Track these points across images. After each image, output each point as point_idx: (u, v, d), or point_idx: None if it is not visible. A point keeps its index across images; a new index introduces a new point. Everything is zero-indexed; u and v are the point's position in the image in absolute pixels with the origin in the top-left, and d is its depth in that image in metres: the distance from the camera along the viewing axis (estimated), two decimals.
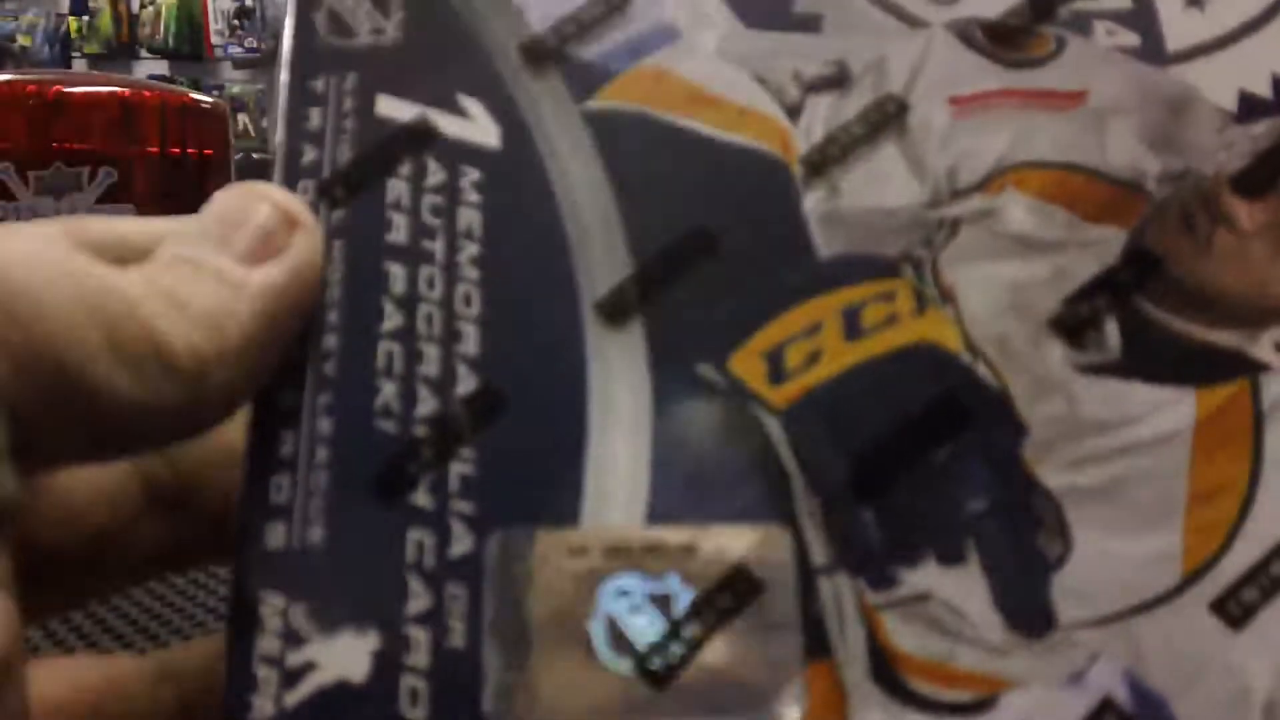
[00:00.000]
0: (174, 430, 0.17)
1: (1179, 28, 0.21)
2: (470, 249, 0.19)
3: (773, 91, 0.21)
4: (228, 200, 0.18)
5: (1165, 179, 0.20)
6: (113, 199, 0.57)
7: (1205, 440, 0.18)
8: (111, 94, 0.59)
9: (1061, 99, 0.20)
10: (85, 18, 3.04)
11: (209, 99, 0.66)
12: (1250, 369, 0.18)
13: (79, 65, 3.01)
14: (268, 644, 0.16)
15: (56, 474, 0.19)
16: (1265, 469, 0.18)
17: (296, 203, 0.18)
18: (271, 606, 0.17)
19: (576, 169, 0.20)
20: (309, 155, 0.20)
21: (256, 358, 0.17)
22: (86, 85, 0.59)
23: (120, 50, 3.02)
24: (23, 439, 0.15)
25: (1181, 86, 0.21)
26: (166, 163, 0.59)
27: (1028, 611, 0.17)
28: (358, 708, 0.16)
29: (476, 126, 0.20)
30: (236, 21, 2.88)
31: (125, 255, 0.17)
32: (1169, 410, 0.18)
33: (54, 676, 0.19)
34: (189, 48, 2.95)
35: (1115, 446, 0.18)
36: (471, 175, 0.20)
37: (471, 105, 0.20)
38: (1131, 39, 0.21)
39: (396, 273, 0.19)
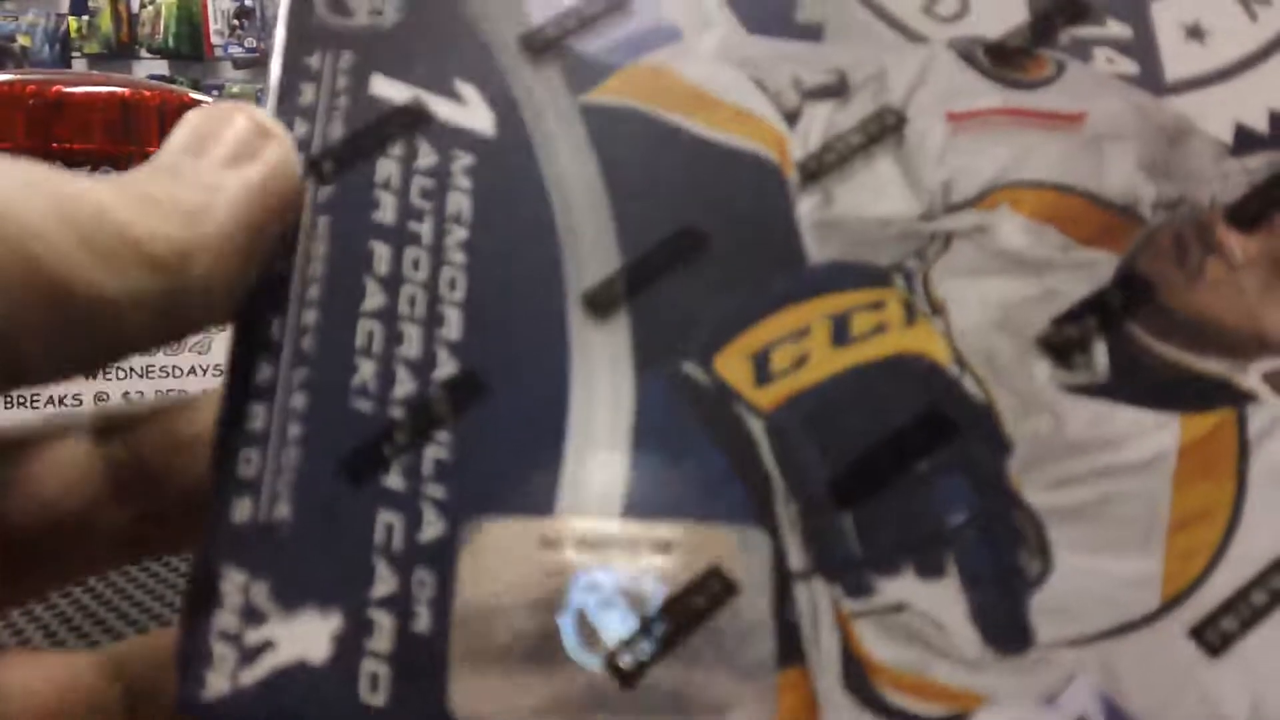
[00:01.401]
0: (158, 328, 0.17)
1: (1178, 58, 0.21)
2: (458, 233, 0.19)
3: (771, 96, 0.20)
4: (199, 117, 0.19)
5: (1160, 206, 0.20)
6: None
7: (1188, 466, 0.18)
8: (111, 94, 0.58)
9: (1060, 120, 0.20)
10: (85, 18, 3.05)
11: (209, 99, 0.66)
12: (1237, 399, 0.18)
13: (79, 65, 3.01)
14: (226, 620, 0.16)
15: (21, 459, 0.19)
16: (1248, 498, 0.18)
17: (268, 116, 0.19)
18: (233, 582, 0.16)
19: (569, 161, 0.20)
20: (299, 129, 0.19)
21: (236, 254, 0.17)
22: (86, 85, 0.59)
23: (120, 50, 3.02)
24: (7, 350, 0.15)
25: (1178, 116, 0.21)
26: None
27: (1005, 627, 0.17)
28: (315, 689, 0.16)
29: (471, 112, 0.20)
30: (236, 21, 2.89)
31: None
32: (1153, 434, 0.18)
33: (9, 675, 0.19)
34: (189, 48, 2.95)
35: (1099, 467, 0.18)
36: (463, 160, 0.19)
37: (467, 91, 0.20)
38: (1131, 67, 0.21)
39: (381, 252, 0.18)
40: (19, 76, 0.61)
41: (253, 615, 0.16)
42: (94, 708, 0.19)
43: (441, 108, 0.20)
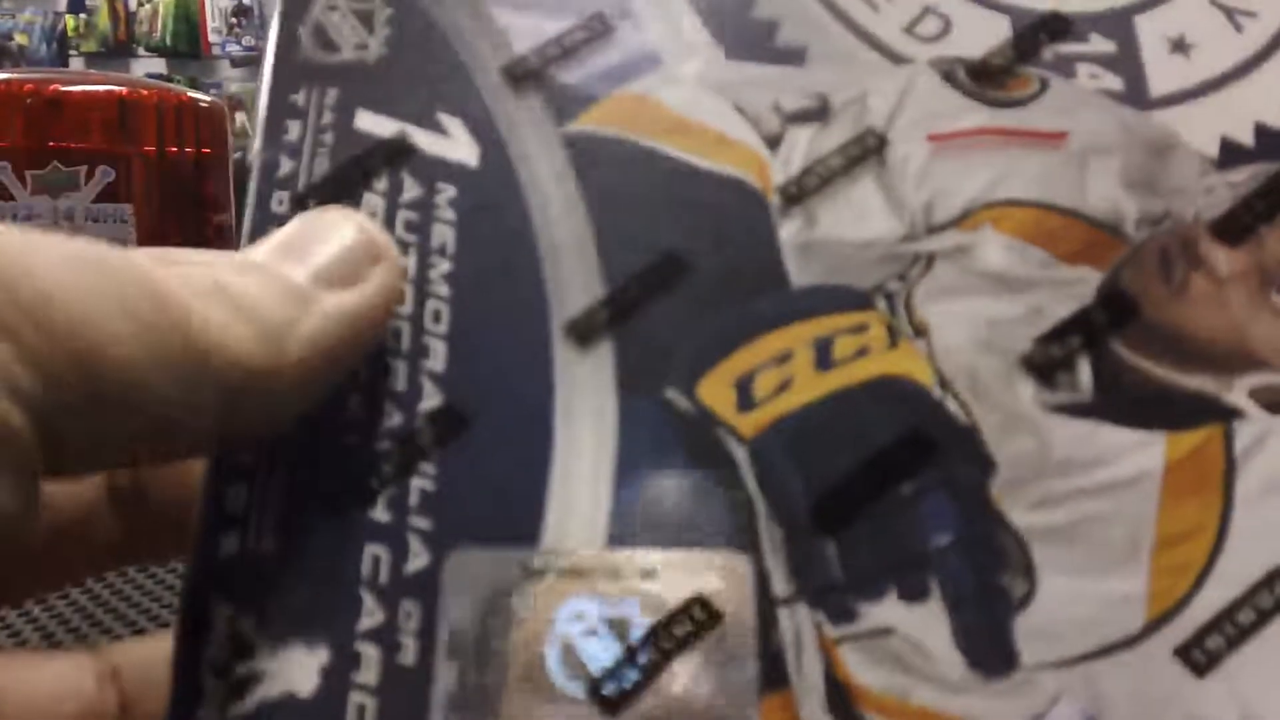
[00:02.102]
0: (212, 438, 0.16)
1: (1163, 73, 0.21)
2: (442, 265, 0.19)
3: (752, 121, 0.21)
4: (310, 218, 0.18)
5: (1144, 222, 0.20)
6: (110, 198, 0.57)
7: (1175, 484, 0.18)
8: (109, 93, 0.58)
9: (1043, 138, 0.20)
10: (83, 16, 3.05)
11: (207, 97, 0.65)
12: (1223, 415, 0.18)
13: (76, 64, 3.01)
14: (215, 653, 0.16)
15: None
16: (1235, 516, 0.18)
17: (382, 234, 0.18)
18: (221, 615, 0.16)
19: (553, 190, 0.20)
20: (285, 167, 0.20)
21: (310, 381, 0.16)
22: (84, 84, 0.59)
23: (118, 49, 3.02)
24: (50, 441, 0.14)
25: (1163, 131, 0.21)
26: (164, 162, 0.59)
27: (989, 650, 0.17)
28: None
29: (455, 144, 0.20)
30: (234, 20, 2.89)
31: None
32: (1139, 453, 0.18)
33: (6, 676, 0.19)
34: (187, 46, 2.96)
35: (1083, 487, 0.18)
36: (448, 192, 0.20)
37: (451, 123, 0.20)
38: (1115, 83, 0.21)
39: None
40: (16, 75, 0.61)
41: (241, 648, 0.16)
42: (87, 712, 0.19)
43: (425, 141, 0.20)
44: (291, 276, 0.16)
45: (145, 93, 0.60)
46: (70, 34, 3.03)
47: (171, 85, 0.69)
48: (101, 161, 0.57)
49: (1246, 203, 0.20)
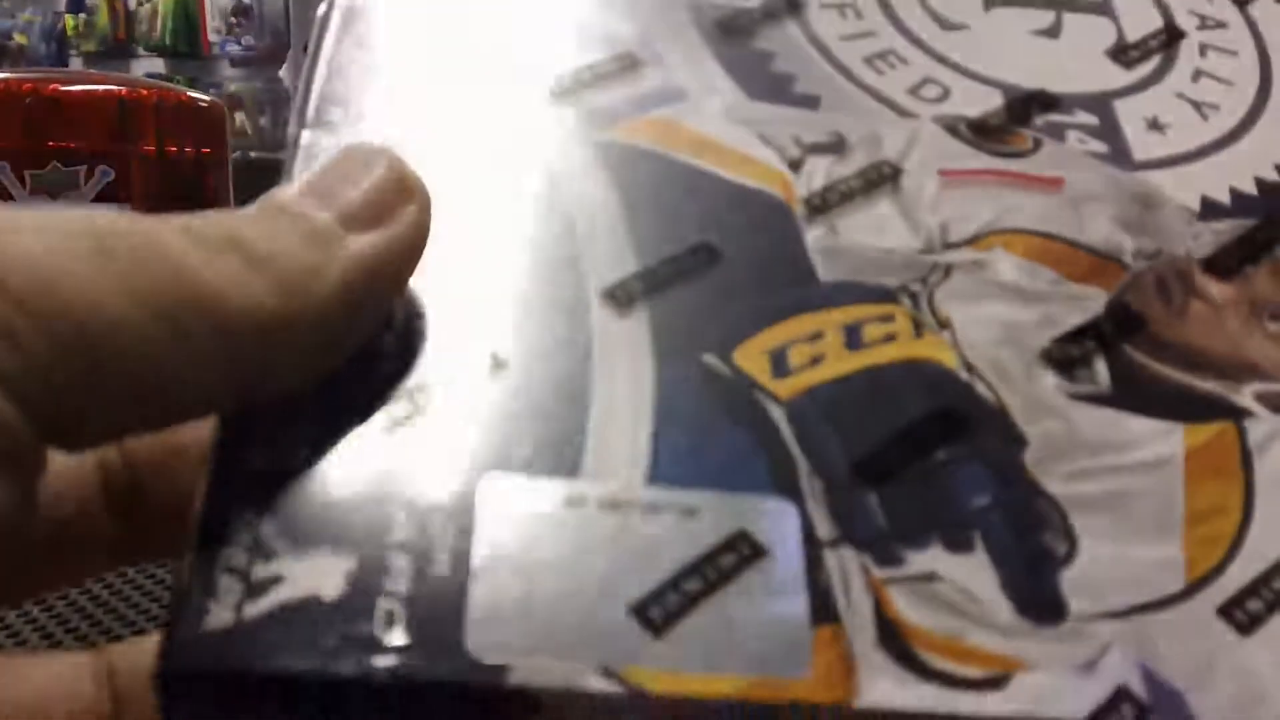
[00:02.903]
0: (234, 395, 0.16)
1: (1143, 144, 0.23)
2: None
3: (775, 149, 0.22)
4: (341, 156, 0.17)
5: (1140, 256, 0.21)
6: (110, 198, 0.57)
7: (1197, 468, 0.18)
8: (108, 92, 0.59)
9: (1041, 182, 0.22)
10: (82, 16, 3.01)
11: (206, 97, 0.64)
12: (1235, 413, 0.19)
13: (76, 63, 2.96)
14: (233, 555, 0.15)
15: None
16: (1258, 497, 0.18)
17: (413, 172, 0.17)
18: (243, 520, 0.16)
19: (586, 186, 0.21)
20: (326, 145, 0.20)
21: (339, 326, 0.16)
22: (83, 84, 0.59)
23: (117, 48, 2.97)
24: (51, 426, 0.14)
25: (1148, 187, 0.22)
26: (164, 161, 0.59)
27: (1038, 600, 0.17)
28: (328, 623, 0.15)
29: None
30: (234, 19, 2.86)
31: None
32: (1160, 440, 0.19)
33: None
34: (186, 46, 2.91)
35: (1112, 465, 0.18)
36: None
37: None
38: (1100, 147, 0.23)
39: None
40: (16, 75, 0.60)
41: (262, 551, 0.15)
42: (84, 712, 0.18)
43: None
44: (316, 218, 0.16)
45: (145, 92, 0.60)
46: (70, 34, 2.99)
47: (171, 85, 0.68)
48: (101, 161, 0.57)
49: (1229, 248, 0.21)
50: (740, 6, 0.24)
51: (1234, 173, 0.23)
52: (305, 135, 0.20)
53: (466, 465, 0.17)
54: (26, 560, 0.15)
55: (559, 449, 0.17)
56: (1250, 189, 0.23)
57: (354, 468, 0.16)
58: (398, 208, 0.17)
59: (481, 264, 0.19)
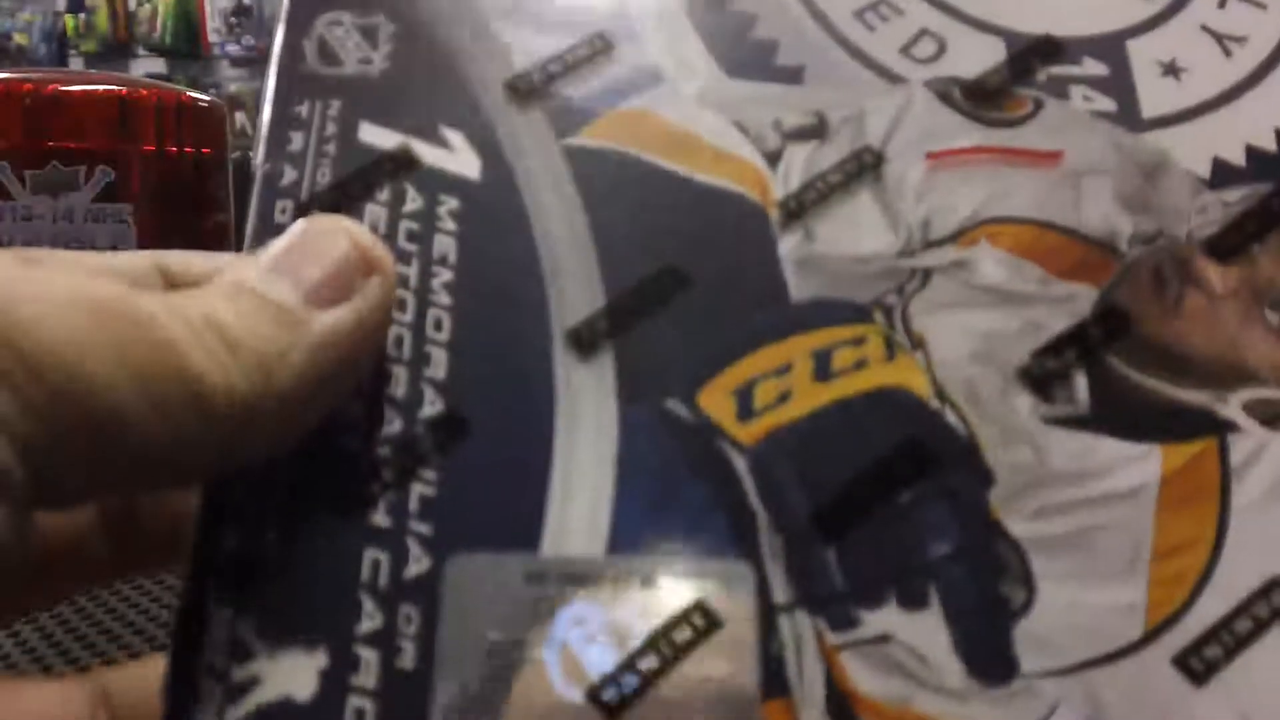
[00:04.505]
0: (204, 470, 0.17)
1: (1155, 95, 0.22)
2: (444, 275, 0.19)
3: (752, 138, 0.21)
4: (305, 229, 0.18)
5: (1137, 240, 0.20)
6: (110, 198, 0.57)
7: (1171, 496, 0.18)
8: (108, 92, 0.58)
9: (1038, 158, 0.21)
10: (82, 16, 3.04)
11: (206, 97, 0.65)
12: (1218, 428, 0.19)
13: (76, 63, 3.00)
14: (213, 657, 0.16)
15: None
16: (1231, 527, 0.18)
17: (378, 244, 0.18)
18: (220, 618, 0.16)
19: (554, 202, 0.20)
20: (288, 176, 0.20)
21: (305, 404, 0.16)
22: (83, 84, 0.59)
23: (117, 48, 3.01)
24: (42, 478, 0.14)
25: (1156, 152, 0.21)
26: (164, 161, 0.59)
27: (989, 658, 0.17)
28: None
29: (457, 157, 0.20)
30: (234, 19, 2.88)
31: (179, 282, 0.17)
32: (1135, 465, 0.18)
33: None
34: (186, 46, 2.94)
35: (1081, 498, 0.18)
36: (449, 204, 0.20)
37: (453, 136, 0.20)
38: (1108, 104, 0.21)
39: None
40: (15, 75, 0.61)
41: (239, 651, 0.16)
42: None
43: (428, 153, 0.20)
44: (283, 300, 0.16)
45: (145, 92, 0.60)
46: (69, 34, 3.02)
47: (171, 85, 0.69)
48: (101, 161, 0.56)
49: (1238, 222, 0.20)
50: None
51: (1253, 125, 0.21)
52: (265, 167, 0.20)
53: (429, 545, 0.17)
54: (19, 586, 0.16)
55: (520, 519, 0.17)
56: (1269, 144, 0.21)
57: (322, 554, 0.17)
58: (361, 282, 0.17)
59: (444, 314, 0.19)
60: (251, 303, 0.16)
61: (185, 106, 0.61)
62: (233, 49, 2.91)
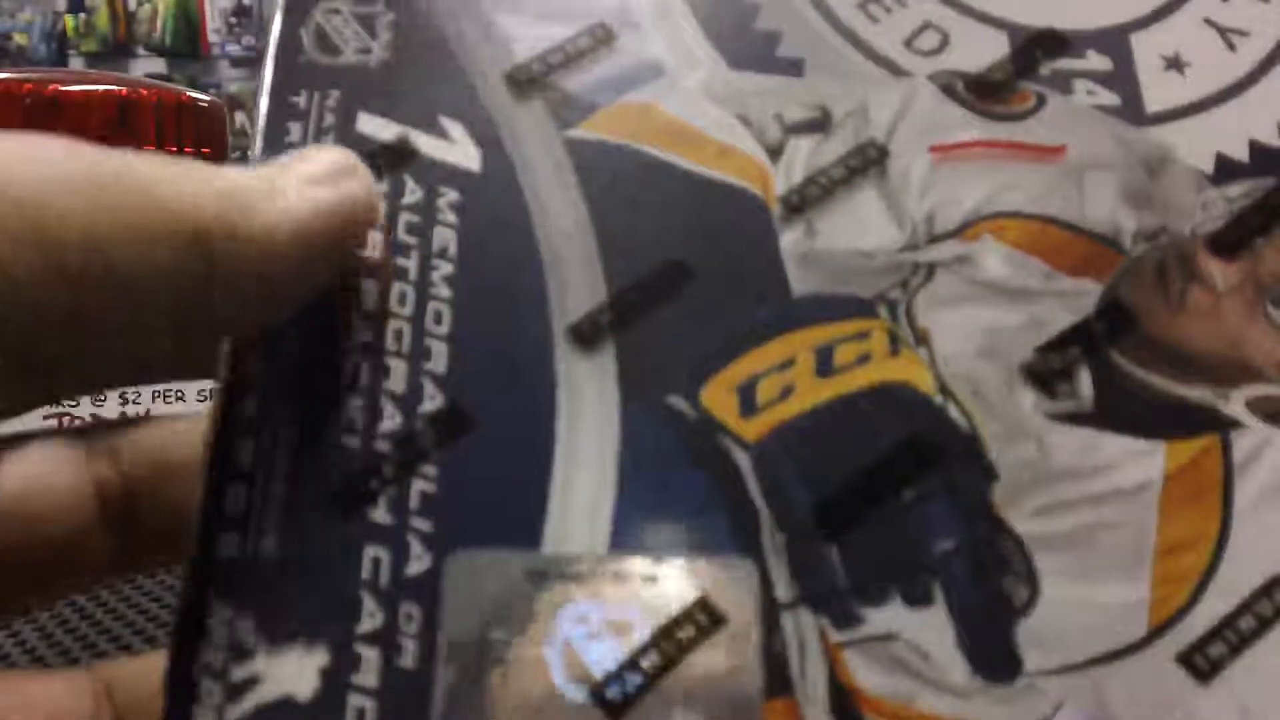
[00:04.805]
0: (185, 317, 0.16)
1: (1158, 90, 0.21)
2: (444, 268, 0.19)
3: (755, 131, 0.21)
4: (292, 153, 0.18)
5: (1141, 236, 0.20)
6: None
7: (1174, 493, 0.18)
8: (108, 92, 0.58)
9: (1041, 152, 0.21)
10: (82, 16, 3.03)
11: (206, 97, 0.65)
12: (1221, 425, 0.19)
13: (76, 63, 3.00)
14: (212, 655, 0.16)
15: (9, 477, 0.19)
16: (1234, 524, 0.18)
17: (355, 159, 0.18)
18: (219, 617, 0.16)
19: (556, 195, 0.20)
20: None
21: (282, 258, 0.16)
22: (83, 84, 0.59)
23: (117, 48, 3.00)
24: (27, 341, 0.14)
25: (1159, 147, 0.21)
26: None
27: (993, 655, 0.17)
28: None
29: (457, 149, 0.20)
30: (234, 19, 2.88)
31: None
32: (1139, 462, 0.18)
33: None
34: (186, 46, 2.94)
35: (1084, 495, 0.18)
36: (449, 196, 0.20)
37: (453, 128, 0.20)
38: (1111, 99, 0.21)
39: (369, 288, 0.19)
40: (15, 75, 0.61)
41: (239, 650, 0.16)
42: None
43: (427, 144, 0.20)
44: (270, 172, 0.17)
45: (145, 92, 0.60)
46: (69, 34, 3.01)
47: (171, 85, 0.69)
48: None
49: (1242, 217, 0.20)
50: None
51: (1256, 120, 0.21)
52: (262, 158, 0.20)
53: (430, 542, 0.17)
54: (19, 581, 0.16)
55: (521, 516, 0.17)
56: (1273, 139, 0.21)
57: (322, 552, 0.17)
58: (344, 180, 0.18)
59: (444, 307, 0.19)
60: (243, 170, 0.17)
61: (185, 106, 0.61)
62: (233, 49, 2.91)
